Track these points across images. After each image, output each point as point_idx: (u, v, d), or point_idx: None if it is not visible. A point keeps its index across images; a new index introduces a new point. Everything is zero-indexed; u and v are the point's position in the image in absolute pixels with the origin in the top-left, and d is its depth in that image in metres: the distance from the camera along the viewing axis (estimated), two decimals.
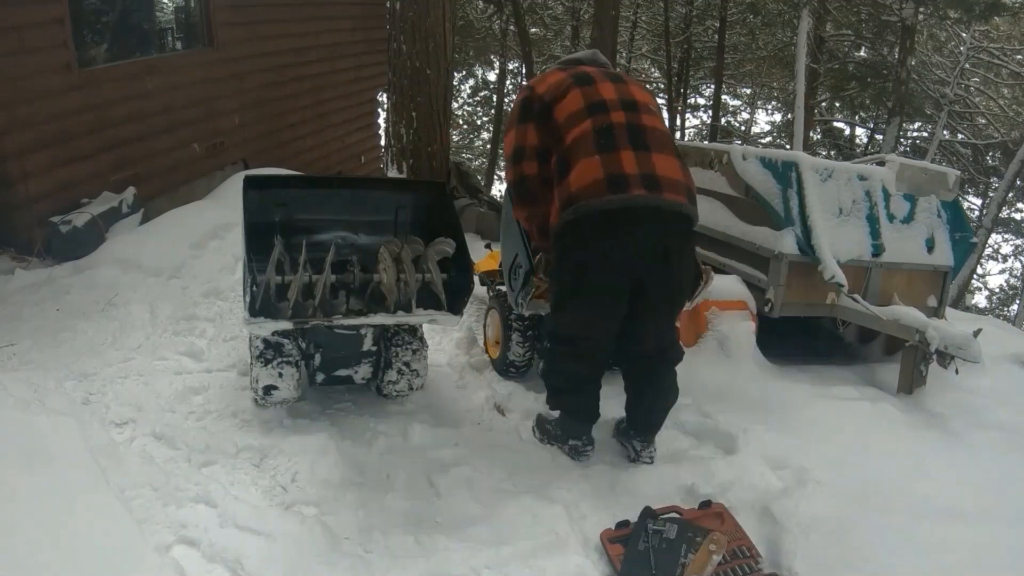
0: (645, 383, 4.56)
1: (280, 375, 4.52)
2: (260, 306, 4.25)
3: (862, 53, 26.25)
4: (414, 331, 4.89)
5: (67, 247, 6.82)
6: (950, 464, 4.79)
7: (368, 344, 4.75)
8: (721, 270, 6.65)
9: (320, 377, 4.82)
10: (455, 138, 31.51)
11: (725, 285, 6.30)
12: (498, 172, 30.87)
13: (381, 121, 15.85)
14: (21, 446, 3.67)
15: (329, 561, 3.55)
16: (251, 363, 4.62)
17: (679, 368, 4.60)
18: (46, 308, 5.78)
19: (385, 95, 12.89)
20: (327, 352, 4.72)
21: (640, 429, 4.62)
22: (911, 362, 5.97)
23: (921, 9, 20.47)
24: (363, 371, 4.87)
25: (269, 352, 4.50)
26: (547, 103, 4.29)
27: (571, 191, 4.05)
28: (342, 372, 4.83)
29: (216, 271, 6.38)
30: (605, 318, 4.27)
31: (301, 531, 3.70)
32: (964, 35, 24.54)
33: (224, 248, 6.70)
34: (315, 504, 3.94)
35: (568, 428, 4.62)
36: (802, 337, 7.34)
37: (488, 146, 31.86)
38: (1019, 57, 25.52)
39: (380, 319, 4.45)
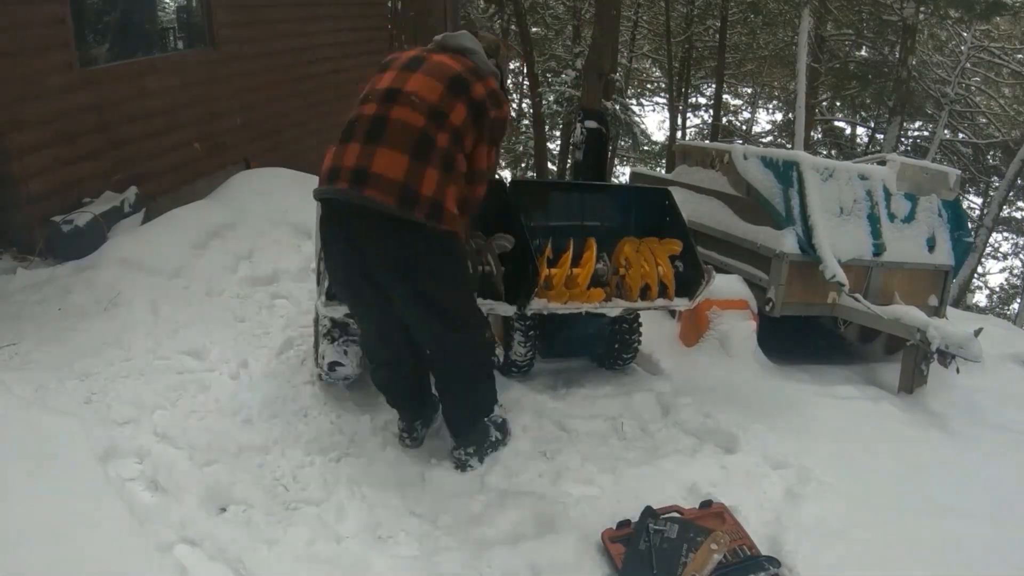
0: (437, 388, 4.50)
1: (345, 352, 4.85)
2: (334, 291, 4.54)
3: (863, 52, 26.28)
4: None
5: (69, 246, 6.81)
6: (951, 463, 4.80)
7: None
8: (722, 269, 6.66)
9: None
10: None
11: (726, 284, 6.30)
12: (499, 172, 30.85)
13: None
14: (23, 445, 3.68)
15: (330, 560, 3.55)
16: (318, 341, 4.96)
17: (682, 367, 4.58)
18: (48, 307, 5.78)
19: None
20: None
21: (449, 427, 4.52)
22: (912, 361, 5.98)
23: (922, 8, 20.47)
24: None
25: (336, 331, 4.86)
26: None
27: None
28: None
29: (218, 270, 6.38)
30: (357, 307, 4.33)
31: (302, 530, 3.71)
32: (965, 34, 24.55)
33: (226, 247, 6.71)
34: (316, 503, 3.95)
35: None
36: (803, 336, 7.35)
37: None
38: (1020, 56, 25.53)
39: None
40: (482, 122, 4.04)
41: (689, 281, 5.19)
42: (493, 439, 4.49)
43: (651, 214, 5.64)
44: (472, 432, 4.41)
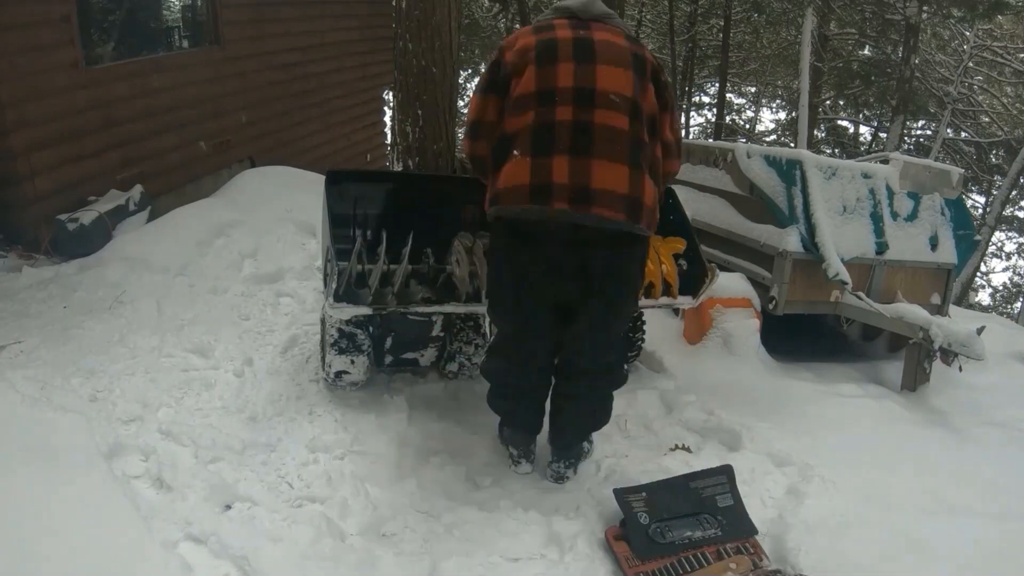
0: (564, 399, 4.24)
1: (352, 362, 4.81)
2: (343, 292, 4.47)
3: (866, 51, 26.26)
4: (478, 326, 5.15)
5: (74, 245, 6.84)
6: (954, 461, 4.81)
7: (437, 330, 5.06)
8: (726, 267, 6.67)
9: (388, 359, 5.13)
10: (461, 136, 31.51)
11: (729, 283, 6.32)
12: None
13: (387, 119, 15.86)
14: (28, 443, 3.69)
15: (334, 558, 3.57)
16: (324, 348, 4.87)
17: (686, 365, 4.57)
18: (53, 305, 5.79)
19: (391, 93, 12.94)
20: (398, 336, 5.03)
21: (554, 443, 4.34)
22: (915, 359, 5.99)
23: (925, 8, 20.43)
24: (429, 355, 5.19)
25: (344, 342, 4.78)
26: (508, 75, 3.84)
27: (497, 188, 3.77)
28: (409, 355, 5.15)
29: (222, 269, 6.39)
30: (527, 332, 4.06)
31: (307, 528, 3.72)
32: (967, 33, 24.48)
33: (230, 245, 6.71)
34: (321, 501, 3.96)
35: (506, 434, 4.45)
36: (806, 335, 7.36)
37: None
38: (1022, 55, 25.47)
39: (452, 308, 4.67)
40: (662, 92, 3.92)
41: (693, 279, 5.20)
42: (587, 449, 4.48)
43: None
44: (582, 444, 4.42)
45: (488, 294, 4.25)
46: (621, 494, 3.88)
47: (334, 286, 4.42)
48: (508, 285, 3.98)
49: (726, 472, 4.05)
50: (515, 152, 3.72)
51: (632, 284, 4.05)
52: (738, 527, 3.85)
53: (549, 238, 3.71)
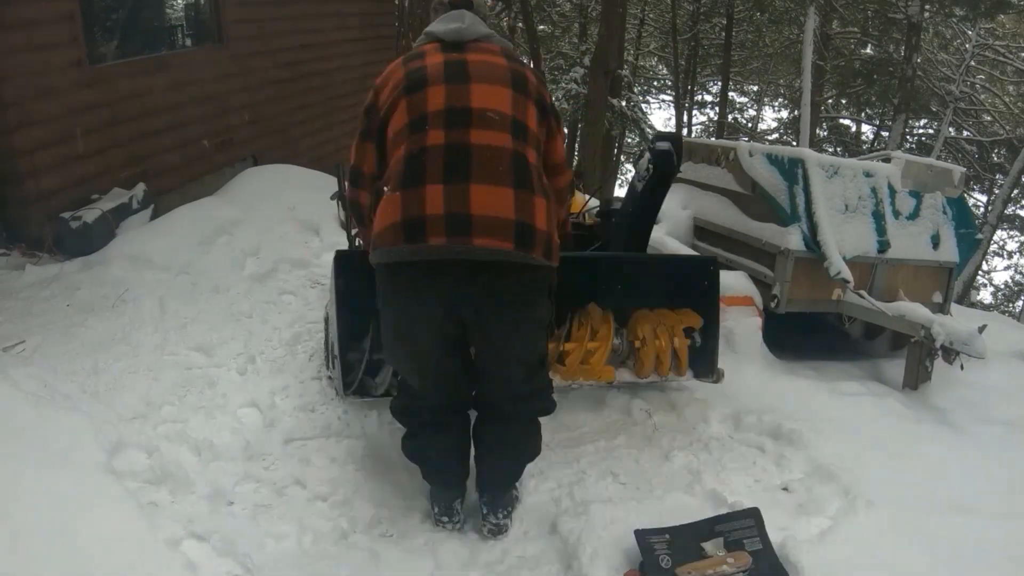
0: (486, 433, 3.84)
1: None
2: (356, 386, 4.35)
3: (868, 50, 26.31)
4: None
5: (77, 243, 6.82)
6: (955, 459, 4.81)
7: None
8: (727, 266, 6.67)
9: None
10: None
11: (731, 281, 6.31)
12: None
13: None
14: (31, 441, 3.69)
15: (337, 555, 3.58)
16: (328, 347, 4.76)
17: None
18: (56, 304, 5.79)
19: None
20: None
21: (482, 487, 3.91)
22: (916, 358, 5.99)
23: (927, 6, 20.45)
24: None
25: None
26: (383, 117, 3.46)
27: (374, 231, 3.36)
28: None
29: (225, 267, 6.39)
30: (422, 375, 3.71)
31: (310, 525, 3.73)
32: (970, 32, 24.51)
33: (233, 244, 6.71)
34: (324, 498, 3.97)
35: (428, 490, 4.01)
36: (808, 333, 7.36)
37: None
38: None
39: None
40: (545, 116, 3.53)
41: (705, 353, 4.94)
42: (517, 495, 4.03)
43: (677, 282, 5.11)
44: (510, 492, 3.96)
45: (383, 349, 3.92)
46: (643, 536, 3.63)
47: (347, 379, 4.33)
48: (393, 334, 3.61)
49: (753, 515, 3.79)
50: (386, 189, 3.33)
51: (532, 312, 3.50)
52: (768, 573, 3.64)
53: (427, 278, 3.30)
